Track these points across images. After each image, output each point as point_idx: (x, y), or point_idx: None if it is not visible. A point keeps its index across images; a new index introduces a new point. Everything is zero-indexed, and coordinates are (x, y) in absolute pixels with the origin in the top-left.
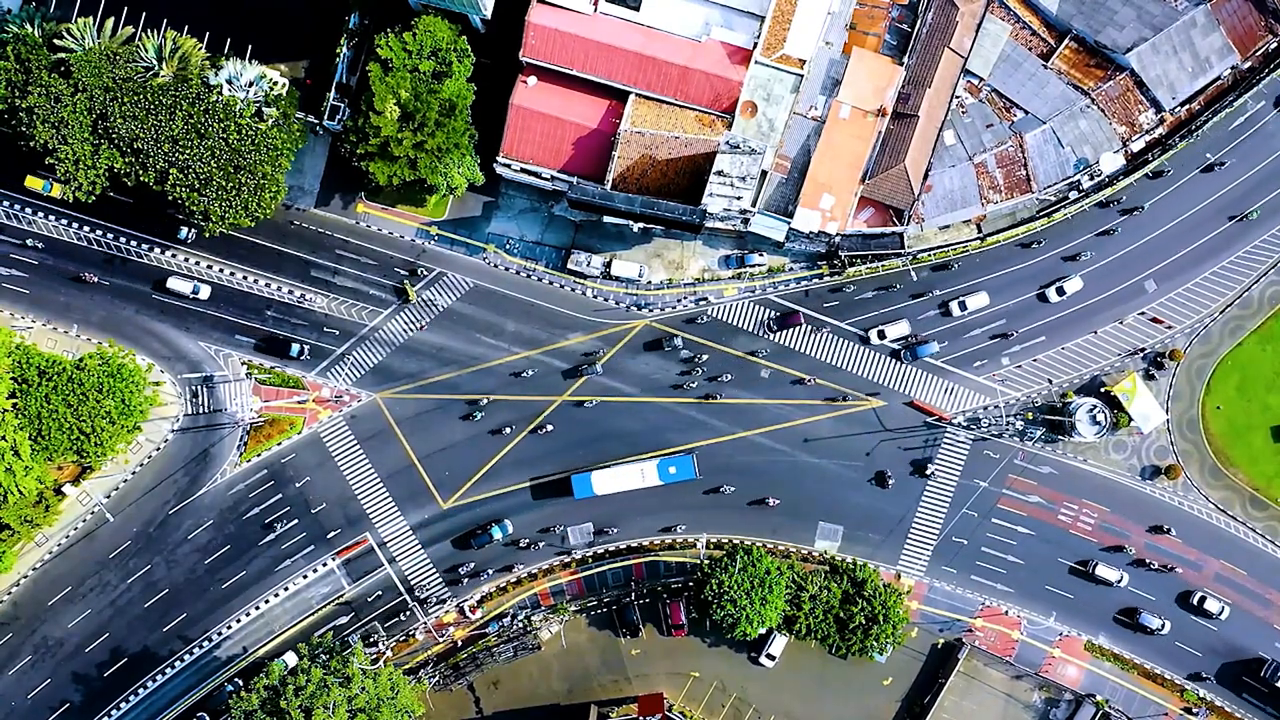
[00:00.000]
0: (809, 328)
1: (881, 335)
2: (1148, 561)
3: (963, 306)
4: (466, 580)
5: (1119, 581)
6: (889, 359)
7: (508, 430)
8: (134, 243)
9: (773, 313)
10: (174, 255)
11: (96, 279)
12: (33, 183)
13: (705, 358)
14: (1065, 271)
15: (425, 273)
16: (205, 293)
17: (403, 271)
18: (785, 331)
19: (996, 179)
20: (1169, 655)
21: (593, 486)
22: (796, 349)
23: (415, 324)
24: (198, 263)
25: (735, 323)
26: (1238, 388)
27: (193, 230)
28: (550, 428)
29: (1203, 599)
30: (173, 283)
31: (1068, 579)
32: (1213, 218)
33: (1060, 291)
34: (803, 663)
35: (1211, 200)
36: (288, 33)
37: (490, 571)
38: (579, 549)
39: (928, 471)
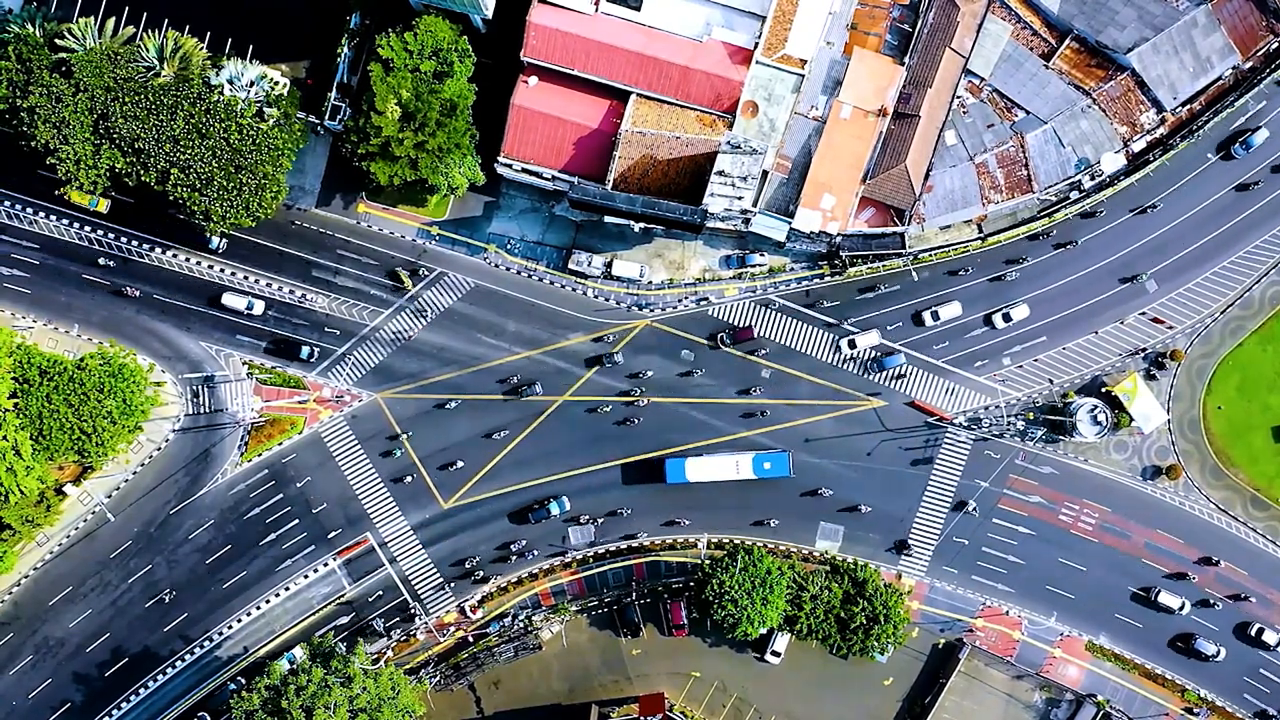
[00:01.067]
0: (809, 328)
1: (852, 345)
2: (1208, 597)
3: (935, 317)
4: (470, 580)
5: (1181, 609)
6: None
7: (505, 432)
8: (135, 242)
9: (727, 326)
10: (175, 255)
11: (139, 293)
12: (77, 197)
13: (767, 374)
14: (1010, 297)
15: (426, 273)
16: (259, 308)
17: (404, 268)
18: (739, 345)
19: (997, 179)
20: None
21: (686, 473)
22: (797, 349)
23: (402, 336)
24: (198, 263)
25: (736, 322)
26: (1238, 388)
27: (224, 240)
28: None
29: (1260, 630)
30: (227, 299)
31: (1129, 605)
32: (1117, 271)
33: (1006, 318)
34: (804, 663)
35: (1136, 245)
36: (289, 33)
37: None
38: (580, 549)
39: (969, 508)
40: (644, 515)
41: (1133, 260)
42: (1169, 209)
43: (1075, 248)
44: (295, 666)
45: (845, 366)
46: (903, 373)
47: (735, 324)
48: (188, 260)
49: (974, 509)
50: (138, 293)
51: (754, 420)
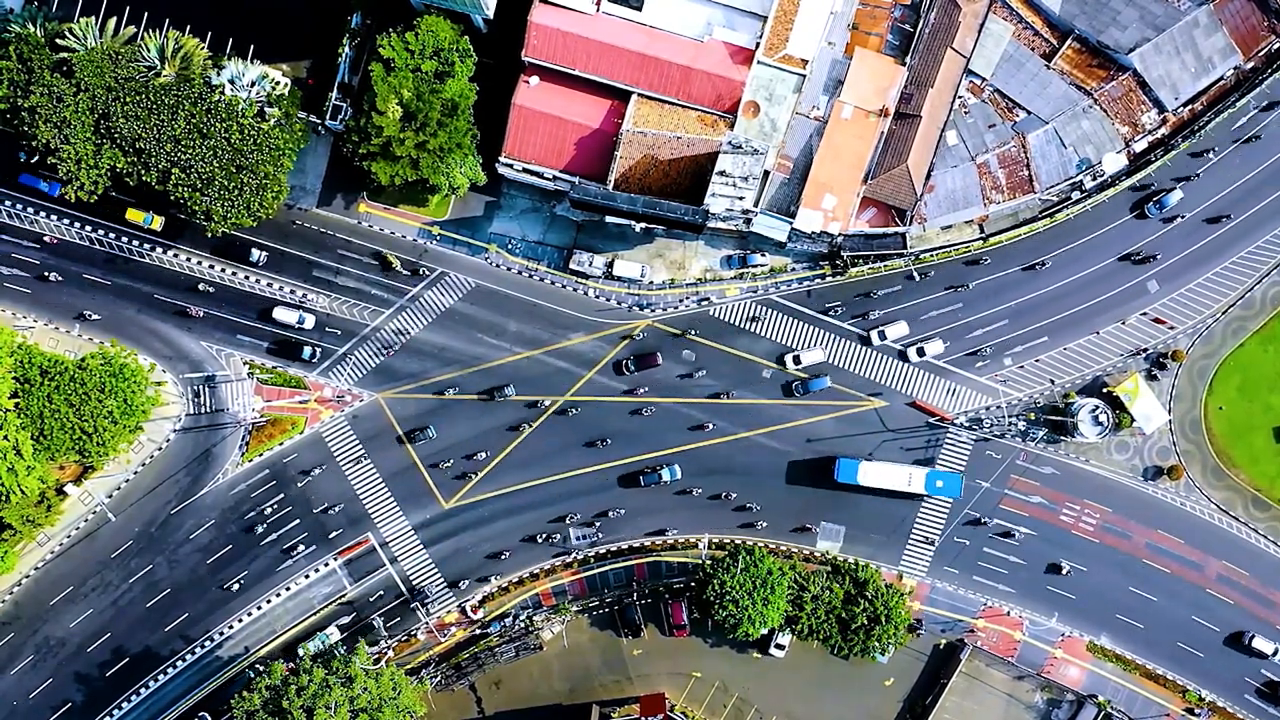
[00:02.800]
0: (809, 327)
1: (797, 360)
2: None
3: (882, 336)
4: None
5: (1274, 655)
6: (895, 359)
7: (507, 432)
8: (136, 242)
9: (630, 354)
10: (176, 255)
11: (203, 313)
12: (134, 215)
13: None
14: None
15: (427, 273)
16: (310, 322)
17: (407, 264)
18: (643, 372)
19: (999, 179)
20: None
21: (858, 475)
22: (798, 348)
23: (402, 336)
24: (200, 262)
25: (737, 323)
26: (1240, 388)
27: (264, 254)
28: (575, 411)
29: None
30: (278, 313)
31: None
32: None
33: (920, 352)
34: (804, 663)
35: (1020, 300)
36: (290, 32)
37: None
38: (581, 549)
39: (1064, 570)
40: (637, 516)
41: (1025, 311)
42: (1057, 269)
43: (967, 290)
44: (330, 646)
45: (876, 358)
46: (827, 391)
47: (640, 351)
48: (224, 271)
49: (1067, 570)
50: (202, 313)
51: (755, 420)
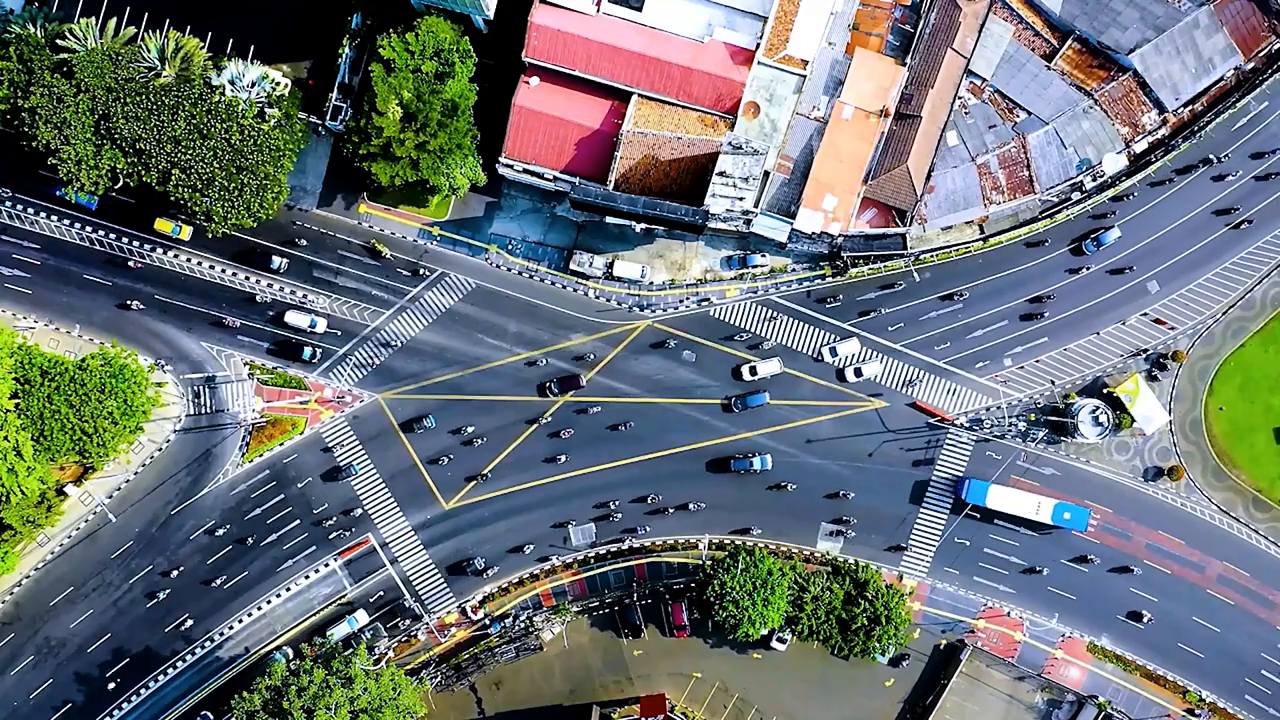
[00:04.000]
0: (809, 327)
1: (753, 372)
2: None
3: (754, 372)
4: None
5: None
6: (897, 361)
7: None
8: (136, 243)
9: (554, 376)
10: (176, 255)
11: (239, 323)
12: (162, 225)
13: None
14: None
15: (428, 273)
16: (322, 326)
17: (400, 258)
18: (569, 394)
19: (999, 180)
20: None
21: (986, 497)
22: (798, 349)
23: (363, 363)
24: (199, 263)
25: (737, 323)
26: (1240, 389)
27: (285, 260)
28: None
29: None
30: (291, 317)
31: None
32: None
33: (858, 373)
34: (805, 663)
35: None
36: (290, 33)
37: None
38: (581, 549)
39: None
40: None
41: (928, 342)
42: (974, 302)
43: (878, 315)
44: (357, 629)
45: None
46: (764, 407)
47: (563, 373)
48: (246, 279)
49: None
50: (238, 323)
51: (755, 420)
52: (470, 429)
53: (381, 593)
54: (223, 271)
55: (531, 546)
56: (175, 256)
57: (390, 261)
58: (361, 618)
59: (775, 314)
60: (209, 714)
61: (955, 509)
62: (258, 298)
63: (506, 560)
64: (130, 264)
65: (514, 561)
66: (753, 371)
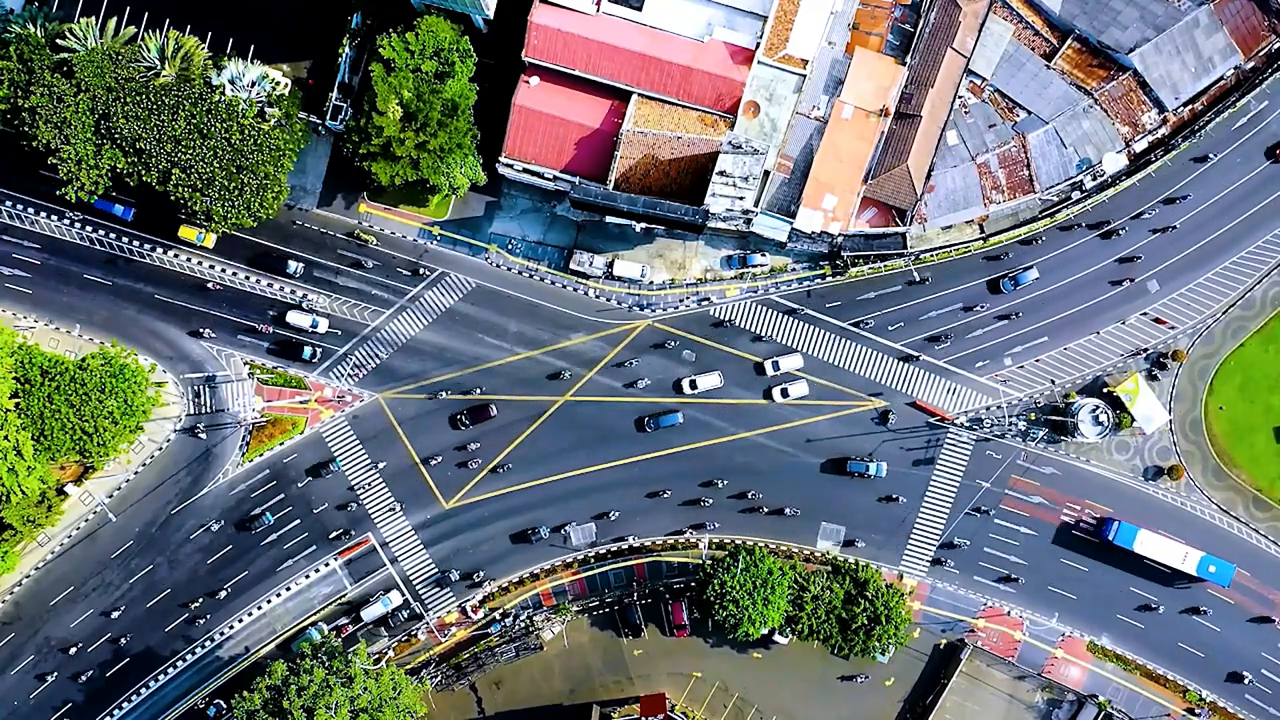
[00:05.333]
0: (809, 327)
1: (694, 385)
2: None
3: (775, 367)
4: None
5: None
6: (898, 361)
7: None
8: (136, 242)
9: (464, 409)
10: (177, 255)
11: (271, 330)
12: (186, 233)
13: None
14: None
15: (428, 273)
16: (324, 326)
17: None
18: (477, 426)
19: (999, 179)
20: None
21: (1134, 542)
22: (798, 348)
23: (364, 363)
24: (199, 262)
25: (738, 323)
26: (1240, 388)
27: (300, 265)
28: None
29: None
30: (292, 317)
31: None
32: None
33: (784, 394)
34: (805, 663)
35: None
36: (290, 33)
37: (488, 577)
38: (581, 549)
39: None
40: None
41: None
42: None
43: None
44: (391, 610)
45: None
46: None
47: (473, 405)
48: (259, 281)
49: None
50: (270, 329)
51: (756, 420)
52: (470, 429)
53: (381, 592)
54: (245, 278)
55: (536, 538)
56: (187, 260)
57: (374, 249)
58: (395, 598)
59: (772, 313)
60: (221, 702)
61: (1096, 551)
62: (258, 297)
63: (506, 560)
64: (209, 286)
65: (514, 561)
66: (693, 385)
